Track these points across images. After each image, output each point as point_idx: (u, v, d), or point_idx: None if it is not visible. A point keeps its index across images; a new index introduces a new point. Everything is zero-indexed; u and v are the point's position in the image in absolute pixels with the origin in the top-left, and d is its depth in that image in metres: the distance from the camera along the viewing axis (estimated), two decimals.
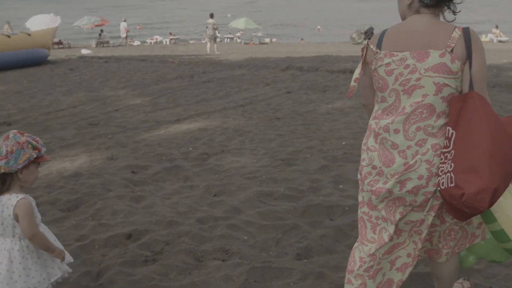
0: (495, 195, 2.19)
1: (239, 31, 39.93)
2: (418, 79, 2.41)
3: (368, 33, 36.33)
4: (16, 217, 2.64)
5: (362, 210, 2.71)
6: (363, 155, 2.64)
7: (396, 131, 2.47)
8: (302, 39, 40.88)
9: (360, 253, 2.70)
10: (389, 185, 2.48)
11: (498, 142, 2.25)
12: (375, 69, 2.53)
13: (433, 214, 2.51)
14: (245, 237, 4.14)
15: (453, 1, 2.47)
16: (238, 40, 38.68)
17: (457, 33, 2.38)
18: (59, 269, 2.84)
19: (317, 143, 6.79)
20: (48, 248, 2.73)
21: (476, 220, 2.66)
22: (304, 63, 15.44)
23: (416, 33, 2.44)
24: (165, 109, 9.40)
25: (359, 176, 2.70)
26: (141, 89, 11.74)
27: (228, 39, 40.89)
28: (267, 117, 8.49)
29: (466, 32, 2.39)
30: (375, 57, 2.52)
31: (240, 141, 7.01)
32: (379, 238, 2.64)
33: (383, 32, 2.57)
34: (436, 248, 2.70)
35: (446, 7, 2.49)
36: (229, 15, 67.67)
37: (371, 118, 2.68)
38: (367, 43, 2.58)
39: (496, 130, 2.28)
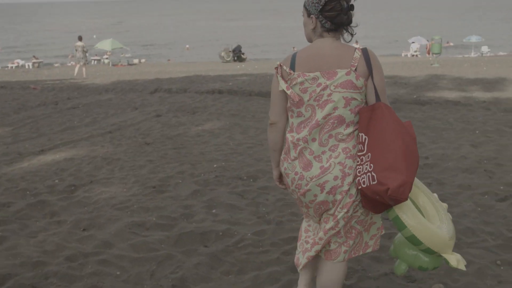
0: (411, 187, 2.71)
1: (106, 53, 39.11)
2: (329, 95, 2.84)
3: (236, 51, 37.06)
4: None
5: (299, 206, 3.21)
6: (285, 165, 3.04)
7: (313, 140, 2.90)
8: (169, 60, 40.87)
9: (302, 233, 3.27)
10: (310, 186, 2.90)
11: (407, 143, 2.76)
12: (289, 87, 2.92)
13: (345, 210, 2.89)
14: (118, 272, 4.03)
15: (351, 25, 2.93)
16: (106, 62, 37.79)
17: (358, 54, 2.85)
18: None
19: (188, 167, 6.79)
20: None
21: (372, 231, 3.09)
22: (172, 85, 15.40)
23: (324, 56, 2.87)
24: (28, 140, 8.94)
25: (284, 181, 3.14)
26: (0, 119, 11.08)
27: (95, 61, 39.89)
28: (137, 142, 8.35)
29: (365, 52, 2.88)
30: (289, 77, 2.91)
31: (109, 170, 6.83)
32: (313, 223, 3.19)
33: (294, 56, 2.95)
34: (335, 246, 3.03)
35: (344, 31, 2.94)
36: (94, 36, 66.06)
37: (287, 132, 3.05)
38: (280, 64, 2.95)
39: (403, 134, 2.78)
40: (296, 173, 2.95)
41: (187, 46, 55.17)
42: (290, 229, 4.74)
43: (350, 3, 2.88)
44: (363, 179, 2.78)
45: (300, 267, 3.20)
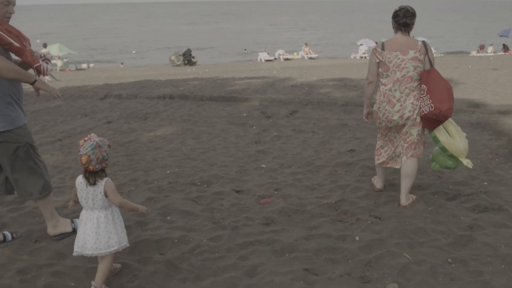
0: (452, 111, 4.93)
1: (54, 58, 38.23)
2: (405, 64, 5.07)
3: (186, 55, 36.85)
4: (105, 193, 3.70)
5: (379, 131, 5.56)
6: (377, 106, 5.27)
7: (395, 90, 5.13)
8: (122, 63, 40.38)
9: (379, 148, 5.61)
10: (395, 117, 5.16)
11: (447, 88, 5.00)
12: (381, 61, 5.16)
13: (416, 129, 5.20)
14: (72, 284, 3.98)
15: (410, 27, 5.17)
16: (59, 65, 36.91)
17: (419, 42, 5.13)
18: (124, 240, 3.84)
19: (141, 174, 6.73)
20: (133, 208, 3.88)
21: (420, 144, 5.34)
22: (123, 90, 15.20)
23: (401, 43, 5.13)
24: None
25: (376, 116, 5.38)
26: None
27: None
28: None
29: (424, 42, 5.15)
30: (382, 54, 5.14)
31: (60, 179, 6.71)
32: (387, 141, 5.54)
33: (383, 43, 5.19)
34: (413, 152, 5.31)
35: (408, 29, 5.18)
36: (37, 41, 64.39)
37: (380, 84, 5.30)
38: (375, 48, 5.23)
39: (445, 83, 5.01)
40: (386, 110, 5.19)
41: (134, 52, 54.63)
42: (246, 234, 4.76)
43: (407, 14, 5.09)
44: (425, 109, 5.03)
45: (377, 164, 5.65)
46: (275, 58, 40.23)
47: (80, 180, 3.77)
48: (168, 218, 5.24)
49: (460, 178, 6.17)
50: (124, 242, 3.83)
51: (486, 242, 4.37)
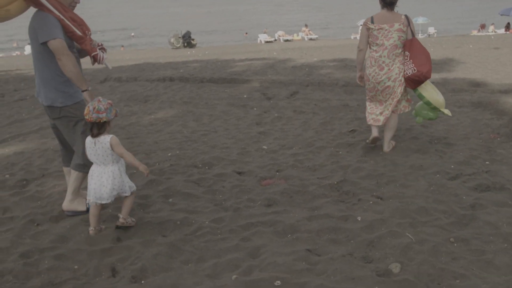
0: (430, 73, 5.99)
1: None
2: (391, 34, 6.08)
3: (186, 37, 36.70)
4: (111, 147, 4.25)
5: (367, 92, 6.55)
6: (368, 70, 6.29)
7: (384, 56, 6.13)
8: (122, 46, 40.18)
9: (370, 109, 6.57)
10: (383, 78, 6.15)
11: (426, 54, 6.00)
12: (371, 32, 6.16)
13: (400, 88, 6.21)
14: (76, 267, 3.99)
15: (396, 5, 6.14)
16: None
17: (403, 17, 6.09)
18: (129, 188, 4.46)
19: (142, 157, 6.72)
20: (134, 163, 4.31)
21: (403, 102, 6.48)
22: (122, 73, 15.15)
23: (387, 17, 6.10)
24: None
25: (366, 79, 6.41)
26: None
27: None
28: None
29: (407, 16, 6.12)
30: (370, 27, 6.13)
31: (61, 162, 6.68)
32: (375, 102, 6.53)
33: (372, 17, 6.19)
34: (397, 107, 6.47)
35: (395, 6, 6.14)
36: None
37: (370, 52, 6.32)
38: (365, 22, 6.25)
39: (424, 50, 5.99)
40: (375, 72, 6.21)
41: (132, 34, 54.32)
42: (248, 215, 4.77)
43: None
44: (408, 71, 6.09)
45: (369, 122, 6.58)
46: (275, 40, 40.05)
47: (89, 139, 4.34)
48: (170, 200, 5.25)
49: (462, 157, 6.16)
50: (129, 192, 4.45)
51: (488, 221, 4.37)
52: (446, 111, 6.27)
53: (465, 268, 3.68)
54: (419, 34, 42.84)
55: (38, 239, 4.47)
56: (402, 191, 5.18)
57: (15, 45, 39.99)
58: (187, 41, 36.51)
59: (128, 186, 4.42)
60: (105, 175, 4.30)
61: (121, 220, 4.47)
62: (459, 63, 14.76)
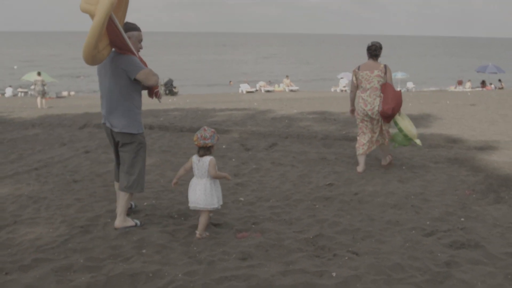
0: (395, 110, 7.93)
1: (33, 85, 37.95)
2: (372, 79, 8.08)
3: (168, 85, 36.91)
4: (208, 166, 5.40)
5: (359, 126, 8.51)
6: (359, 106, 8.21)
7: (368, 96, 8.10)
8: None
9: (360, 139, 8.49)
10: (368, 112, 8.12)
11: (393, 94, 7.96)
12: (357, 78, 8.23)
13: (381, 120, 8.25)
14: None
15: (378, 55, 8.25)
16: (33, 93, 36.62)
17: (382, 65, 8.11)
18: (218, 203, 5.59)
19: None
20: (222, 176, 5.58)
21: (386, 133, 8.48)
22: (101, 120, 15.08)
23: (371, 65, 8.14)
24: None
25: (356, 112, 8.50)
26: None
27: (22, 93, 38.66)
28: (64, 180, 8.12)
29: (385, 66, 8.13)
30: (357, 73, 8.19)
31: (35, 209, 6.60)
32: (366, 134, 8.45)
33: (359, 66, 8.22)
34: (382, 140, 8.51)
35: (377, 57, 8.23)
36: (15, 67, 63.79)
37: (358, 92, 8.29)
38: (355, 70, 8.26)
39: (394, 91, 7.98)
40: (362, 109, 8.15)
41: None
42: (222, 269, 4.70)
43: (377, 47, 8.15)
44: (380, 108, 7.94)
45: (360, 154, 8.39)
46: (256, 90, 40.48)
47: (194, 157, 5.51)
48: (144, 251, 5.16)
49: (438, 214, 6.19)
50: (217, 205, 5.53)
51: (462, 279, 4.36)
52: (418, 141, 8.11)
53: None
54: (398, 88, 43.61)
55: None
56: (378, 247, 5.16)
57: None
58: (169, 88, 36.72)
59: (217, 200, 5.50)
60: (199, 186, 5.43)
61: (197, 236, 5.51)
62: (436, 118, 14.99)
